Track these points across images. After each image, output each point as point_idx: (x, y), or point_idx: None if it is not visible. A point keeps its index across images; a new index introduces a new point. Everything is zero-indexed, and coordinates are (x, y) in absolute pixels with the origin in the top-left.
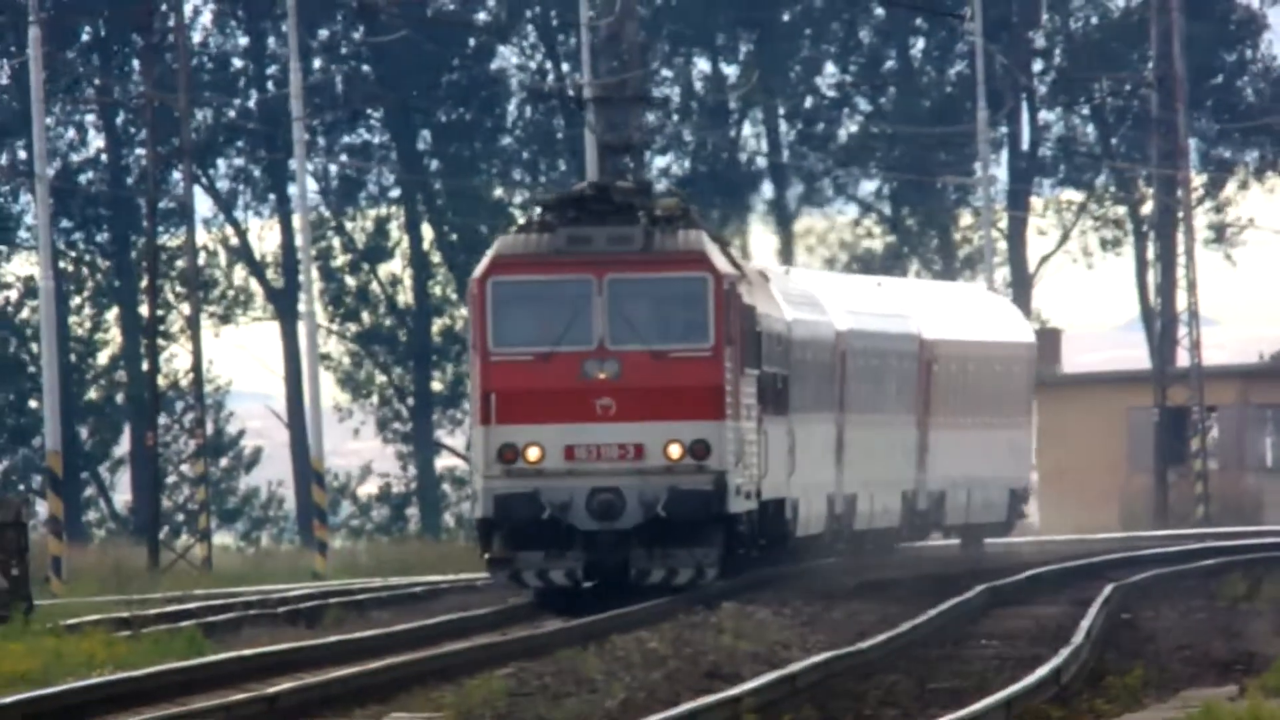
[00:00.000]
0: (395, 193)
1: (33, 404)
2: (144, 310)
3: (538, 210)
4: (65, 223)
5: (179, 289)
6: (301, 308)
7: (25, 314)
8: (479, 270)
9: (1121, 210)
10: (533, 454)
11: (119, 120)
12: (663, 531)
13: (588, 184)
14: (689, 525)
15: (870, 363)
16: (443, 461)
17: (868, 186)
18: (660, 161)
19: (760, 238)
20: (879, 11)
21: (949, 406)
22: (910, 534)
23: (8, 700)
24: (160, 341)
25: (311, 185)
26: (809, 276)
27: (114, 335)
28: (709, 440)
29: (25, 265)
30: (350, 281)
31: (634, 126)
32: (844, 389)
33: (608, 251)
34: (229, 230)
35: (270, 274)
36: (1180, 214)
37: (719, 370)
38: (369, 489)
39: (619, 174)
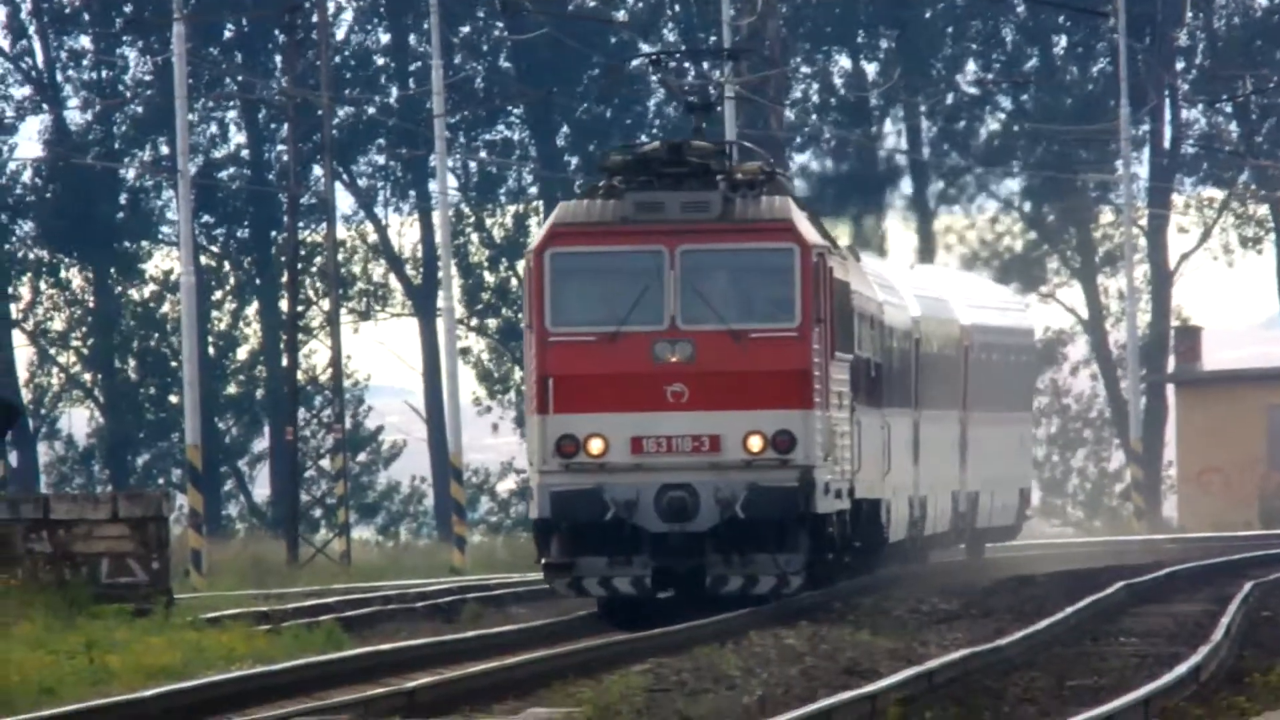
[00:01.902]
0: (534, 189)
1: (173, 398)
2: (284, 305)
3: (603, 173)
4: (206, 218)
5: (319, 285)
6: (440, 304)
7: (166, 309)
8: (536, 241)
9: (1263, 208)
10: (595, 446)
11: (261, 116)
12: (741, 534)
13: (659, 143)
14: (771, 527)
15: (936, 351)
16: None
17: (1009, 184)
18: (800, 158)
19: (899, 235)
20: (1021, 9)
21: (980, 399)
22: (955, 540)
23: (148, 693)
24: (300, 337)
25: (451, 182)
26: (870, 259)
27: (254, 330)
28: (794, 431)
29: (167, 260)
30: (488, 278)
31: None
32: (919, 380)
33: (681, 219)
34: (369, 226)
35: (409, 270)
36: None
37: (806, 352)
38: (508, 485)
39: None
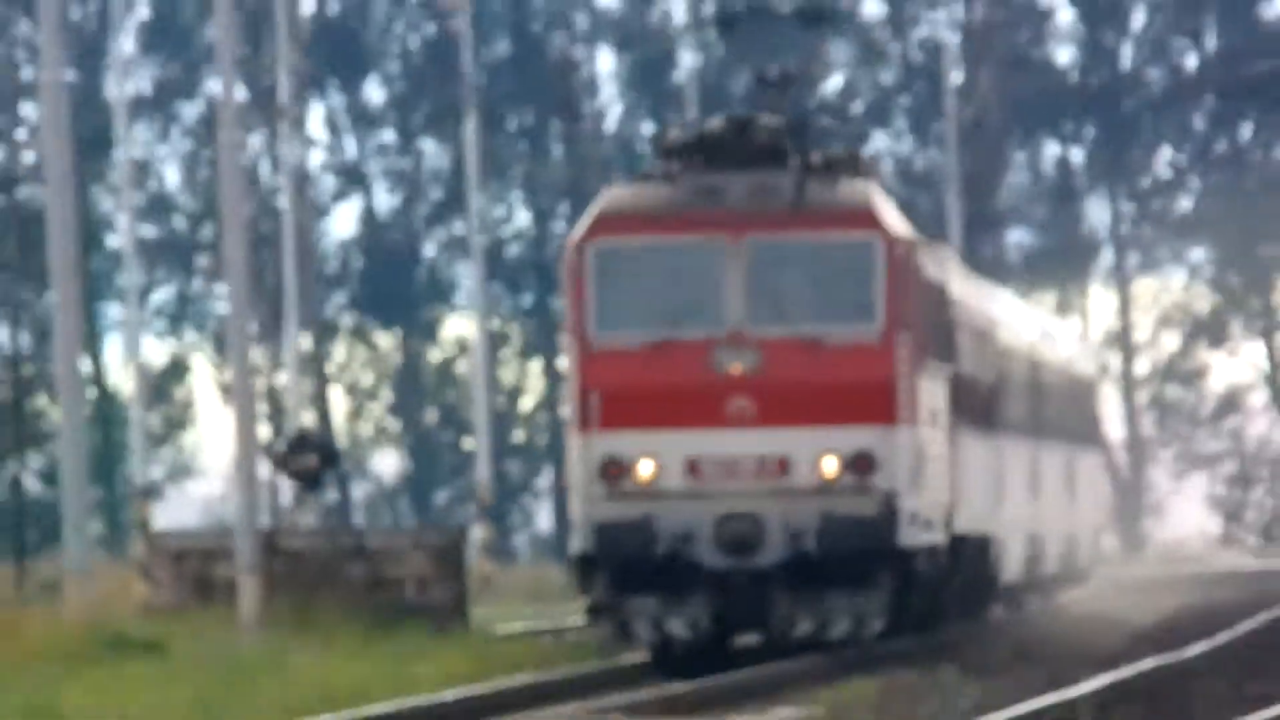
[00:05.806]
0: None
1: (467, 444)
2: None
3: (658, 155)
4: (495, 287)
5: None
6: None
7: (461, 366)
8: (578, 231)
9: None
10: (645, 470)
11: (542, 197)
12: (813, 571)
13: (723, 119)
14: (847, 563)
15: (1051, 379)
16: None
17: (1198, 254)
18: (1014, 236)
19: (1099, 299)
20: (1210, 100)
21: (1080, 433)
22: (1064, 583)
23: (448, 696)
24: None
25: None
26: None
27: (538, 384)
28: (874, 451)
29: (460, 324)
30: None
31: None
32: (1039, 407)
33: (747, 207)
34: None
35: None
36: None
37: (889, 360)
38: None
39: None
